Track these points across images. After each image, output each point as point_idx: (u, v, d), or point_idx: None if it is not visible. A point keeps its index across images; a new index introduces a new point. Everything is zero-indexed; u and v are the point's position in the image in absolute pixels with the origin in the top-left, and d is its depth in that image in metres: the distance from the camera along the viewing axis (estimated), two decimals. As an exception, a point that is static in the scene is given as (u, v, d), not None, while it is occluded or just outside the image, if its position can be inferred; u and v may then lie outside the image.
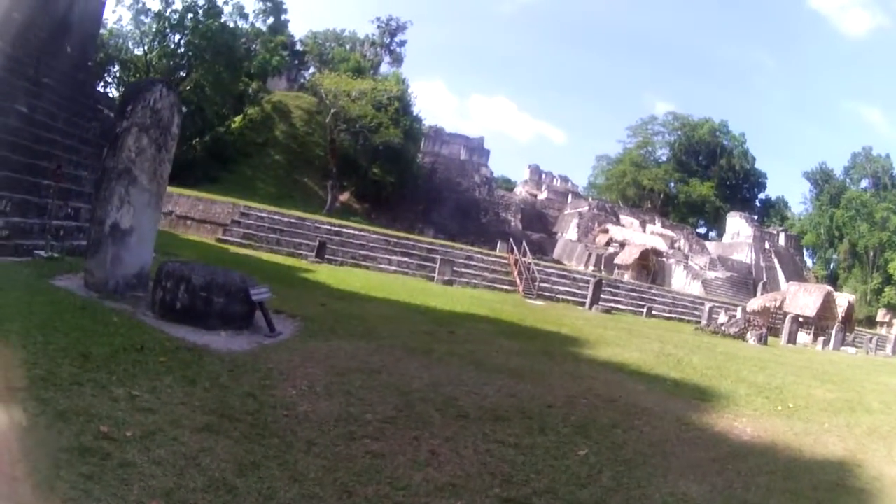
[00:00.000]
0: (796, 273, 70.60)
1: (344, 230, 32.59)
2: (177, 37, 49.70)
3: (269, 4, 60.26)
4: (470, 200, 66.86)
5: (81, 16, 17.78)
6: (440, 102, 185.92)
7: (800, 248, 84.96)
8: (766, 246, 75.31)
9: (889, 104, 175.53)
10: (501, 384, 8.50)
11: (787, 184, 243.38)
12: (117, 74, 50.10)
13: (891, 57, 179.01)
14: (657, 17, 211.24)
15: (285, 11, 63.20)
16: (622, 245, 60.38)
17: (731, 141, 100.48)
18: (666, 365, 12.83)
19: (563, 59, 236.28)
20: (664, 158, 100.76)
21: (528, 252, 37.64)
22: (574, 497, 5.04)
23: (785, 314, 36.44)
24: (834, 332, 34.03)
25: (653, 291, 42.65)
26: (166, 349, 7.46)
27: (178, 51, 50.08)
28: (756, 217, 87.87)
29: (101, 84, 46.06)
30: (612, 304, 33.64)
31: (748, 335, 26.43)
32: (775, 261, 73.00)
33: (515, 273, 34.70)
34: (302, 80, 73.86)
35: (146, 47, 50.17)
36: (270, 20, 61.36)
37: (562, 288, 35.08)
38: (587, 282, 35.00)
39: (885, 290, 76.00)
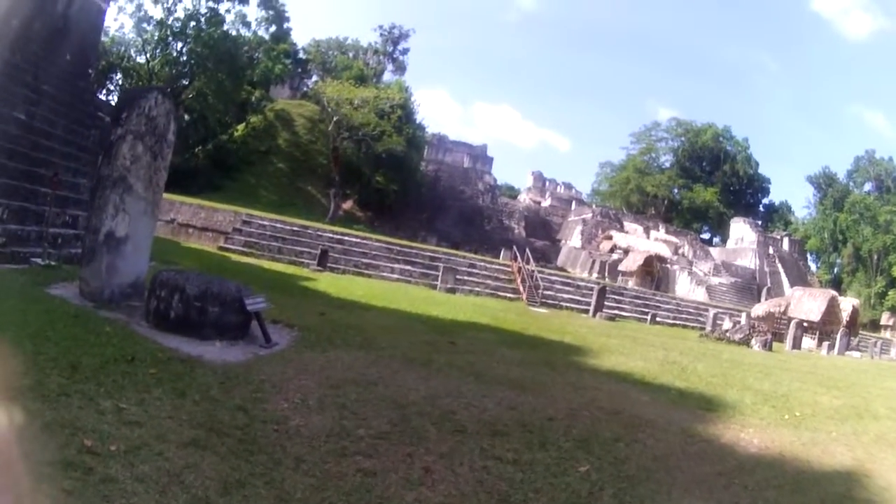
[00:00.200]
0: (800, 278, 70.44)
1: (346, 238, 32.39)
2: (179, 45, 49.71)
3: (271, 13, 60.17)
4: (473, 208, 66.77)
5: (81, 23, 17.66)
6: (443, 110, 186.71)
7: (803, 253, 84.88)
8: (770, 251, 75.22)
9: (891, 107, 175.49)
10: (502, 396, 8.25)
11: (791, 188, 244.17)
12: (119, 82, 50.16)
13: (892, 59, 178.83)
14: (659, 23, 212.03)
15: (287, 20, 63.17)
16: (626, 252, 60.12)
17: (734, 146, 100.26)
18: (670, 373, 12.60)
19: (567, 67, 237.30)
20: (668, 164, 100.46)
21: (532, 259, 37.41)
22: (574, 517, 4.85)
23: (789, 319, 36.09)
24: (838, 337, 33.78)
25: (657, 298, 42.38)
26: (158, 360, 7.30)
27: (181, 59, 50.07)
28: (760, 222, 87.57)
29: (104, 92, 46.25)
30: (616, 312, 33.37)
31: (753, 341, 26.19)
32: (779, 266, 72.86)
33: (519, 281, 34.47)
34: (305, 89, 73.81)
35: (148, 55, 50.22)
36: (273, 28, 61.27)
37: (565, 295, 34.83)
38: (591, 289, 34.76)
39: (889, 293, 75.51)
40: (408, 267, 31.64)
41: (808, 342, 34.53)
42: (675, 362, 14.39)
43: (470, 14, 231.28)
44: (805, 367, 18.23)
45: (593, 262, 57.50)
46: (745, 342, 26.15)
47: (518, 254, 37.54)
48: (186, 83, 50.98)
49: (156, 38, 49.07)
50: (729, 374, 13.58)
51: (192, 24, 48.85)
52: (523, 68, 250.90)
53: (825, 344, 33.85)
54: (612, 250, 62.43)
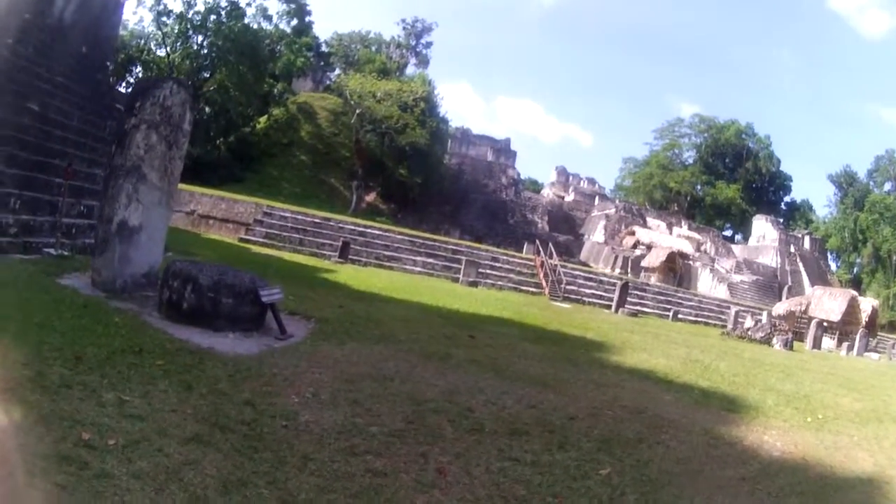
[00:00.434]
0: (820, 277, 69.64)
1: (368, 230, 32.19)
2: (199, 38, 49.67)
3: (292, 6, 59.98)
4: (497, 202, 66.45)
5: (97, 15, 17.57)
6: (466, 104, 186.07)
7: (824, 252, 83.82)
8: (792, 249, 74.39)
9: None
10: (522, 393, 8.00)
11: (812, 187, 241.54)
12: (139, 75, 50.09)
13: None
14: (681, 19, 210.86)
15: (309, 13, 62.98)
16: (649, 247, 59.64)
17: (756, 143, 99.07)
18: (693, 372, 12.44)
19: (590, 62, 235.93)
20: (690, 161, 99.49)
21: (555, 254, 37.11)
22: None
23: (810, 318, 35.80)
24: (858, 338, 33.46)
25: (679, 295, 41.92)
26: (166, 351, 7.14)
27: (202, 52, 50.04)
28: (781, 220, 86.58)
29: (123, 85, 46.07)
30: (639, 308, 33.02)
31: (774, 340, 26.03)
32: (800, 264, 72.06)
33: (541, 275, 34.18)
34: (327, 82, 73.62)
35: (168, 48, 50.20)
36: (294, 22, 61.07)
37: (588, 290, 34.50)
38: (613, 284, 34.42)
39: (908, 294, 74.48)
40: (430, 260, 31.41)
41: (828, 342, 34.28)
42: (697, 360, 14.29)
43: (492, 8, 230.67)
44: (825, 368, 18.19)
45: (616, 258, 57.01)
46: (767, 341, 25.95)
47: (541, 248, 37.24)
48: (207, 76, 50.98)
49: (176, 31, 49.03)
50: (751, 374, 13.53)
51: (213, 17, 48.82)
52: (546, 63, 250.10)
53: (845, 344, 33.54)
54: (634, 246, 61.95)
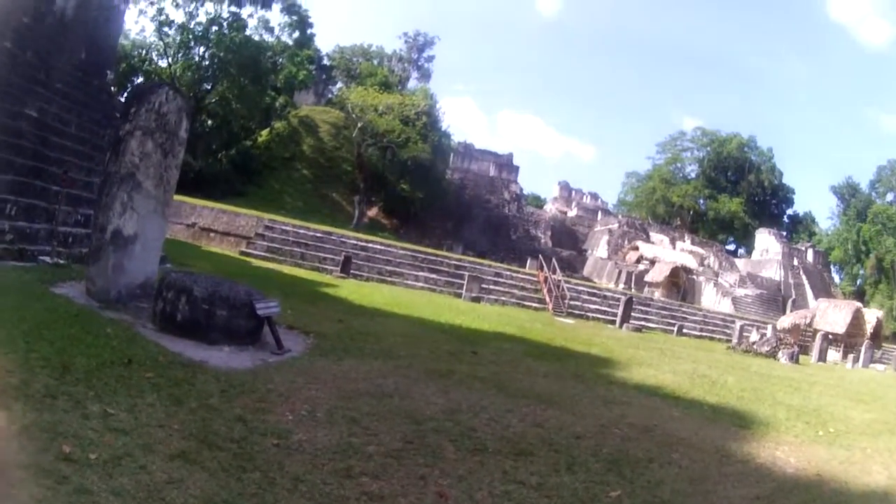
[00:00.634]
0: (824, 289, 69.39)
1: (370, 245, 31.96)
2: (201, 49, 49.57)
3: (294, 18, 59.84)
4: (499, 217, 66.21)
5: (97, 22, 17.51)
6: (469, 119, 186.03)
7: (827, 264, 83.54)
8: (795, 262, 74.20)
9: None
10: (526, 411, 7.71)
11: (815, 199, 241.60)
12: (140, 85, 50.15)
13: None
14: (682, 32, 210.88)
15: (311, 26, 62.80)
16: (652, 262, 59.48)
17: (759, 156, 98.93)
18: (701, 388, 12.28)
19: (591, 76, 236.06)
20: (693, 175, 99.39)
21: (558, 269, 36.88)
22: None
23: (815, 331, 35.76)
24: (863, 349, 33.39)
25: (683, 309, 41.68)
26: (157, 364, 6.92)
27: (203, 63, 49.91)
28: (784, 233, 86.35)
29: (124, 94, 45.99)
30: (643, 323, 32.74)
31: (780, 354, 25.93)
32: (803, 277, 71.81)
33: (545, 290, 33.92)
34: (329, 95, 73.59)
35: (170, 59, 50.15)
36: (296, 34, 60.92)
37: (592, 306, 34.24)
38: (617, 300, 34.17)
39: (912, 305, 73.89)
40: (432, 275, 31.16)
41: (833, 354, 34.23)
42: (704, 375, 14.21)
43: (494, 22, 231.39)
44: (832, 381, 18.33)
45: (619, 273, 56.82)
46: (772, 355, 25.90)
47: (544, 263, 37.02)
48: (209, 88, 50.90)
49: (177, 41, 48.98)
50: (759, 388, 13.46)
51: (214, 28, 48.74)
52: (547, 77, 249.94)
53: (850, 356, 33.45)
54: (638, 261, 61.77)
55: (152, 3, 48.17)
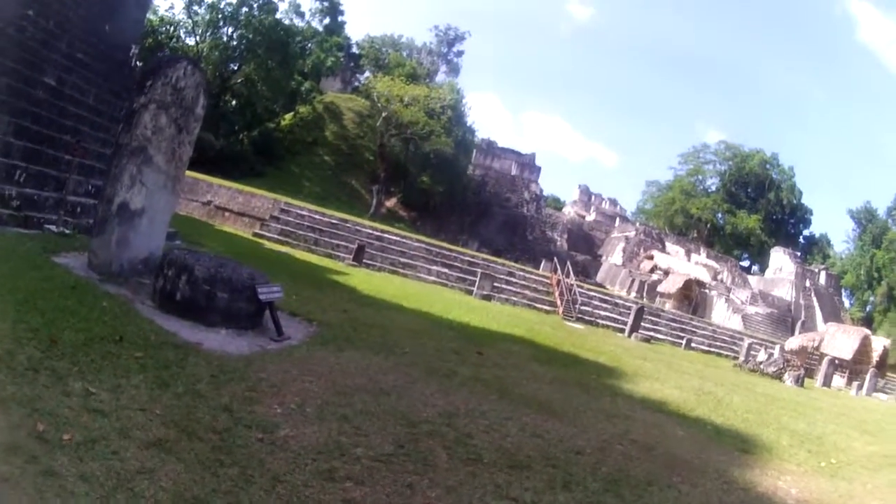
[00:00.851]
0: (833, 313, 68.80)
1: (385, 235, 31.71)
2: (230, 29, 49.69)
3: (325, 4, 59.95)
4: (517, 216, 65.95)
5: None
6: (493, 116, 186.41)
7: (839, 288, 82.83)
8: (807, 284, 73.59)
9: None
10: (527, 420, 7.43)
11: (831, 221, 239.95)
12: (166, 61, 50.12)
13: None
14: (712, 46, 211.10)
15: (342, 13, 63.00)
16: (666, 273, 59.13)
17: (780, 174, 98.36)
18: (706, 406, 12.12)
19: (619, 82, 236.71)
20: (713, 188, 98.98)
21: (572, 273, 36.58)
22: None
23: (822, 355, 35.68)
24: (868, 377, 33.23)
25: (693, 323, 41.29)
26: (149, 343, 6.70)
27: (231, 43, 50.05)
28: (799, 254, 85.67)
29: (147, 68, 46.08)
30: (652, 333, 32.38)
31: (786, 376, 25.84)
32: (814, 299, 71.25)
33: (557, 294, 33.62)
34: (356, 83, 73.54)
35: (198, 37, 50.22)
36: (327, 20, 61.03)
37: (602, 312, 33.90)
38: (628, 308, 33.84)
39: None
40: (445, 270, 30.90)
41: (838, 380, 34.07)
42: (710, 393, 14.12)
43: (526, 22, 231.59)
44: (836, 408, 18.35)
45: (632, 281, 56.45)
46: (778, 376, 25.77)
47: (559, 266, 36.75)
48: (235, 68, 50.93)
49: (206, 20, 49.00)
50: (764, 411, 13.43)
51: (245, 9, 48.79)
52: (575, 81, 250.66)
53: (855, 384, 33.30)
54: (652, 270, 61.45)
55: (183, -19, 48.36)
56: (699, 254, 74.02)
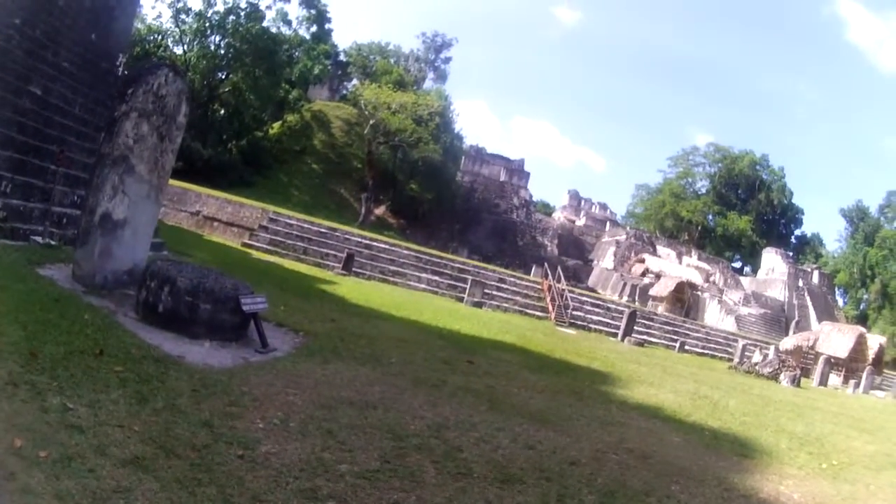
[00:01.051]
0: (827, 312, 69.00)
1: (374, 244, 31.57)
2: (217, 38, 49.48)
3: (313, 12, 59.88)
4: (507, 222, 65.98)
5: (110, 6, 17.26)
6: (482, 122, 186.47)
7: (832, 287, 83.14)
8: (800, 283, 73.75)
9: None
10: (519, 431, 7.24)
11: (824, 220, 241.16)
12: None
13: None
14: (699, 49, 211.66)
15: (329, 20, 62.94)
16: (658, 276, 59.21)
17: (770, 175, 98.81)
18: (703, 410, 11.96)
19: (608, 86, 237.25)
20: (703, 190, 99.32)
21: (563, 278, 36.49)
22: None
23: (817, 354, 35.65)
24: (864, 375, 33.23)
25: (686, 326, 41.36)
26: (130, 357, 6.53)
27: (218, 52, 49.81)
28: (791, 254, 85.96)
29: (133, 78, 45.92)
30: (645, 337, 32.34)
31: (781, 376, 25.69)
32: (808, 299, 71.40)
33: (548, 299, 33.52)
34: (344, 91, 73.51)
35: (186, 46, 49.99)
36: (314, 28, 60.95)
37: (595, 317, 33.86)
38: (621, 312, 33.85)
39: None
40: (435, 277, 30.76)
41: (834, 379, 34.11)
42: (706, 397, 13.99)
43: (513, 27, 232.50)
44: (834, 407, 18.36)
45: (624, 285, 56.50)
46: (774, 377, 25.64)
47: (549, 271, 36.65)
48: (223, 77, 50.78)
49: (194, 29, 48.85)
50: (761, 413, 13.32)
51: (232, 18, 48.72)
52: (563, 85, 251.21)
53: (851, 382, 33.36)
54: (643, 274, 61.51)
55: (170, -10, 48.17)
56: (691, 256, 74.15)
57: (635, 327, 31.59)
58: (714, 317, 56.75)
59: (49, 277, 9.20)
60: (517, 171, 74.40)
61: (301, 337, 10.02)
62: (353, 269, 26.94)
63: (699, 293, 59.96)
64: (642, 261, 65.00)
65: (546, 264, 40.48)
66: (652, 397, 12.18)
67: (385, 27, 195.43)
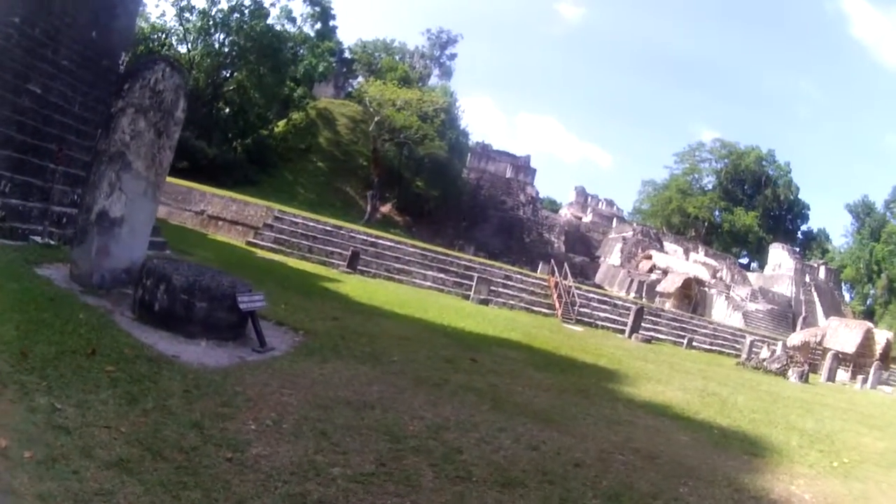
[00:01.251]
0: (834, 307, 68.66)
1: (379, 241, 31.41)
2: (221, 36, 49.33)
3: (317, 9, 59.64)
4: (514, 219, 65.80)
5: (112, 4, 17.09)
6: (487, 119, 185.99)
7: (839, 283, 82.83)
8: (807, 279, 73.49)
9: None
10: (522, 431, 7.05)
11: (830, 216, 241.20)
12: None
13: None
14: (705, 43, 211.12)
15: (334, 17, 62.67)
16: (665, 272, 58.91)
17: (776, 170, 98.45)
18: (711, 407, 11.83)
19: (613, 83, 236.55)
20: (710, 186, 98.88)
21: (570, 275, 36.36)
22: None
23: (825, 350, 35.36)
24: (872, 371, 32.95)
25: (694, 322, 41.17)
26: (123, 357, 6.42)
27: (223, 50, 49.68)
28: (798, 249, 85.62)
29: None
30: (652, 334, 32.13)
31: (789, 372, 25.57)
32: (815, 295, 71.17)
33: (555, 296, 33.33)
34: (349, 88, 73.33)
35: (190, 45, 49.85)
36: (318, 25, 60.71)
37: (601, 314, 33.65)
38: (628, 309, 33.61)
39: (922, 326, 73.13)
40: (441, 275, 30.60)
41: (842, 374, 33.75)
42: (714, 394, 13.86)
43: (518, 23, 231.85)
44: (843, 403, 18.23)
45: (631, 282, 56.22)
46: (782, 373, 25.51)
47: (556, 268, 36.46)
48: (227, 75, 50.68)
49: (198, 27, 48.65)
50: (770, 410, 13.18)
51: (236, 15, 48.52)
52: (569, 81, 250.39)
53: (859, 377, 33.02)
54: (650, 270, 61.21)
55: (173, -12, 48.02)
56: (697, 252, 73.79)
57: (642, 324, 31.37)
58: (721, 313, 56.48)
59: (46, 277, 9.11)
60: (523, 167, 74.20)
61: (301, 335, 9.87)
62: (359, 267, 26.81)
63: (706, 289, 59.69)
64: (649, 257, 64.75)
65: (553, 261, 40.23)
66: (659, 395, 12.03)
67: (390, 24, 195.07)
